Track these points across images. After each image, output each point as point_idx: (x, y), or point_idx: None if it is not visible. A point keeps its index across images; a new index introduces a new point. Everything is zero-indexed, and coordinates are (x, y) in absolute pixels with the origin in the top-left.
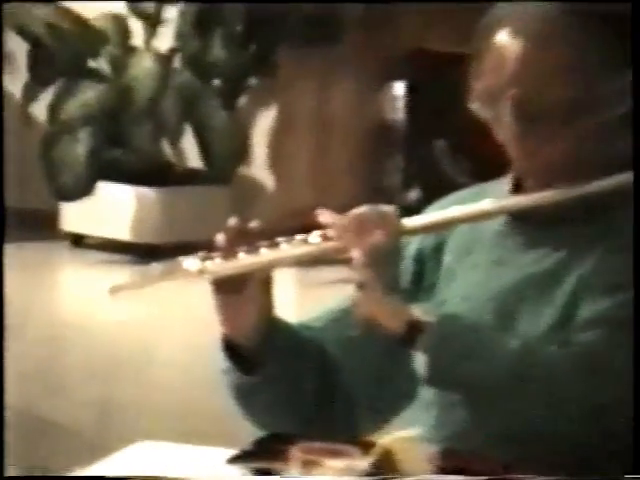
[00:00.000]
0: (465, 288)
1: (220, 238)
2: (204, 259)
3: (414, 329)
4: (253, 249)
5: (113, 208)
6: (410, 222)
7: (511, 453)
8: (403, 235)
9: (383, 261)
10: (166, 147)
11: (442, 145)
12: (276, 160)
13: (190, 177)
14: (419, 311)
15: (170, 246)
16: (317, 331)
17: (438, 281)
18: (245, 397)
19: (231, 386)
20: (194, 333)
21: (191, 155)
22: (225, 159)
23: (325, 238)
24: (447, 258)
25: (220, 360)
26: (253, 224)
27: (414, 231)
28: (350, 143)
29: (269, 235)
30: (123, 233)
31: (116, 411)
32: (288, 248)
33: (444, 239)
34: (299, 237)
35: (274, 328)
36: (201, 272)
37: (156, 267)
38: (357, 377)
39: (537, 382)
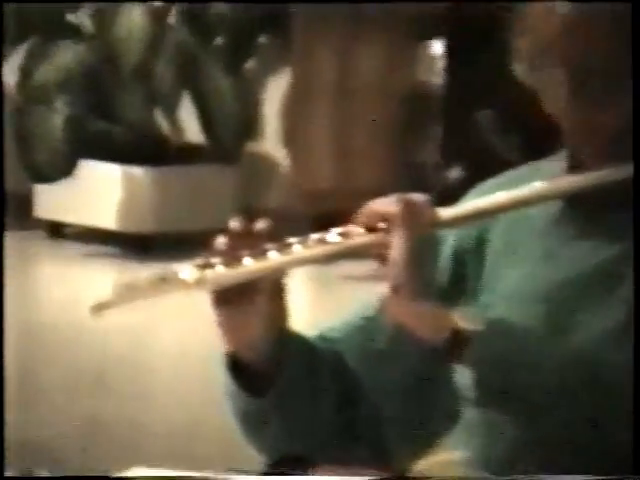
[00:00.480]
0: (513, 288)
1: (221, 241)
2: (203, 267)
3: (457, 339)
4: (260, 252)
5: (97, 191)
6: (448, 212)
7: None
8: (441, 227)
9: (420, 259)
10: (160, 118)
11: (488, 116)
12: (291, 134)
13: (189, 154)
14: (463, 318)
15: (165, 237)
16: (336, 343)
17: (480, 281)
18: (254, 424)
19: (238, 412)
20: (191, 338)
21: (190, 128)
22: (230, 133)
23: (346, 236)
24: (490, 253)
25: (223, 381)
26: (260, 224)
27: (453, 222)
28: (378, 113)
29: (283, 224)
30: (109, 221)
31: (105, 430)
32: (302, 250)
33: (486, 231)
34: (314, 237)
35: (287, 342)
36: (200, 282)
37: (146, 277)
38: (386, 397)
39: (604, 395)
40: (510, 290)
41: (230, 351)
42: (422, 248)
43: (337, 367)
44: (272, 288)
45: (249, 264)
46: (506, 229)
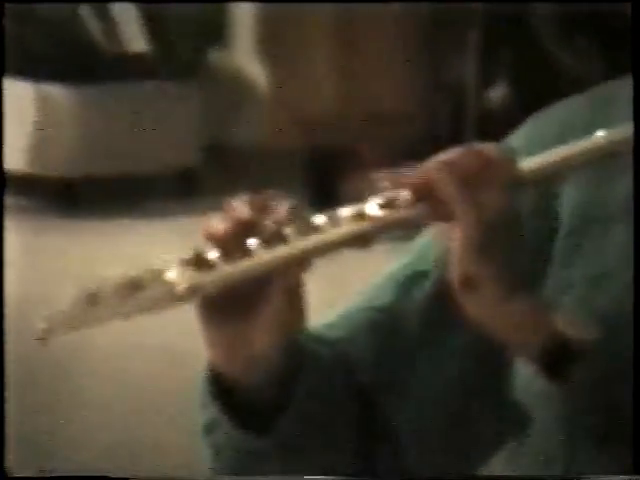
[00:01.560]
0: (598, 268)
1: (217, 225)
2: (195, 263)
3: (561, 351)
4: (276, 237)
5: (6, 116)
6: (535, 164)
7: None
8: (524, 186)
9: (505, 238)
10: (90, 21)
11: (544, 14)
12: (273, 42)
13: (130, 67)
14: (571, 321)
15: (96, 183)
16: (340, 345)
17: (550, 259)
18: (248, 466)
19: (222, 450)
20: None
21: (129, 33)
22: (186, 39)
23: (392, 206)
24: (564, 223)
25: (203, 411)
26: (282, 206)
27: (542, 179)
28: (395, 16)
29: (263, 168)
30: (18, 161)
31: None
32: (332, 230)
33: (554, 193)
34: (346, 211)
35: (299, 360)
36: (193, 290)
37: (112, 285)
38: (414, 418)
39: None
40: (595, 271)
41: (220, 373)
42: (504, 219)
43: (349, 382)
44: (288, 288)
45: (261, 255)
46: (584, 190)
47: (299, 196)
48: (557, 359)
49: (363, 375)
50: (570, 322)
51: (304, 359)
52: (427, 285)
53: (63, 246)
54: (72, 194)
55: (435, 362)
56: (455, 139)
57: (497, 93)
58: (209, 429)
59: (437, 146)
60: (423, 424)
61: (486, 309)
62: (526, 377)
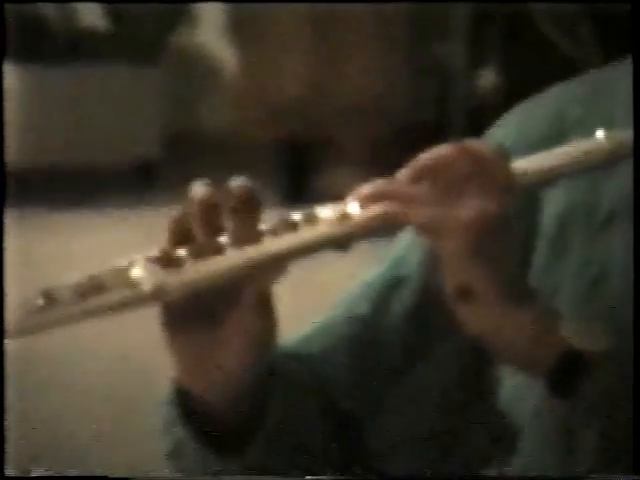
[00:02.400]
0: (590, 274)
1: (177, 218)
2: (163, 261)
3: (571, 365)
4: (251, 236)
5: None
6: (531, 165)
7: None
8: (517, 191)
9: (501, 244)
10: None
11: None
12: (244, 23)
13: (85, 48)
14: (579, 332)
15: (44, 174)
16: (316, 362)
17: (535, 258)
18: None
19: (190, 472)
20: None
21: (87, 10)
22: (149, 18)
23: (374, 207)
24: (549, 219)
25: (169, 432)
26: (241, 188)
27: (539, 181)
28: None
29: (230, 157)
30: None
31: None
32: (309, 230)
33: (533, 195)
34: (325, 210)
35: (273, 377)
36: (160, 291)
37: (71, 285)
38: (395, 438)
39: None
40: (586, 271)
41: (185, 392)
42: (498, 224)
43: (326, 403)
44: (260, 293)
45: (233, 254)
46: (572, 185)
47: (271, 189)
48: (565, 373)
49: (341, 395)
50: (579, 332)
51: (277, 377)
52: (407, 294)
53: (7, 242)
54: (19, 185)
55: (418, 377)
56: (441, 128)
57: (486, 78)
58: (175, 454)
59: (422, 135)
60: (405, 444)
61: (487, 321)
62: (515, 390)
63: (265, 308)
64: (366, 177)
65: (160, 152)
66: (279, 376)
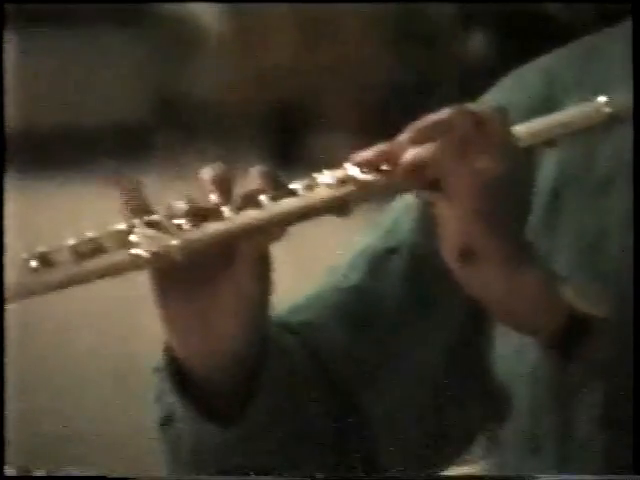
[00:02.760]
0: (592, 233)
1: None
2: (159, 226)
3: (575, 330)
4: (245, 203)
5: None
6: (534, 127)
7: None
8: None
9: (504, 206)
10: None
11: None
12: None
13: (71, 10)
14: (582, 296)
15: (29, 136)
16: (308, 331)
17: (530, 220)
18: (210, 459)
19: (181, 443)
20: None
21: None
22: None
23: (376, 169)
24: (544, 180)
25: (161, 400)
26: (257, 174)
27: (532, 143)
28: None
29: (219, 122)
30: None
31: None
32: (309, 195)
33: (530, 158)
34: (325, 176)
35: (266, 343)
36: (159, 254)
37: (69, 246)
38: (390, 406)
39: None
40: (581, 236)
41: (177, 359)
42: (501, 186)
43: (319, 372)
44: (256, 257)
45: (232, 218)
46: (568, 149)
47: (259, 153)
48: (568, 337)
49: (334, 364)
50: (582, 295)
51: (269, 346)
52: (399, 262)
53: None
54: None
55: (411, 345)
56: (430, 91)
57: (474, 42)
58: (166, 422)
59: (409, 98)
60: (401, 411)
61: (490, 283)
62: (510, 357)
63: (261, 269)
64: (354, 140)
65: (146, 116)
66: (271, 345)
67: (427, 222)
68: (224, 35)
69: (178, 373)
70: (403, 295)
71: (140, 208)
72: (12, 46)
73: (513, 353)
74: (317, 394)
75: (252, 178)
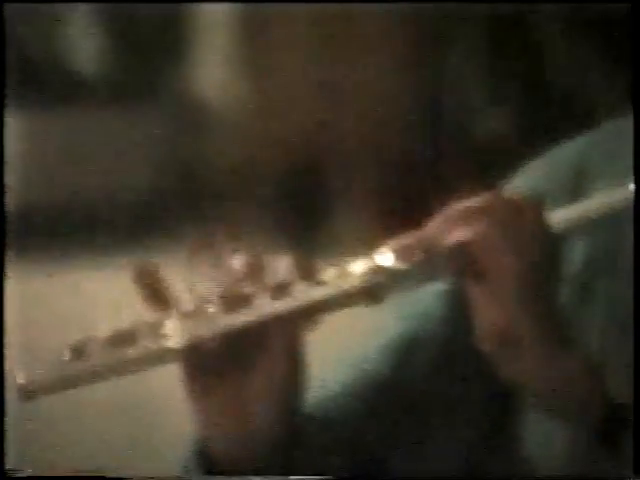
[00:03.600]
0: (611, 322)
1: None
2: (191, 315)
3: (614, 417)
4: (280, 289)
5: None
6: (567, 214)
7: None
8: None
9: (542, 289)
10: (38, 40)
11: (553, 31)
12: (252, 59)
13: (80, 90)
14: (622, 383)
15: (47, 217)
16: (334, 425)
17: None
18: None
19: None
20: None
21: (83, 55)
22: (143, 57)
23: (408, 259)
24: (573, 266)
25: None
26: (285, 263)
27: (567, 230)
28: (382, 33)
29: (237, 191)
30: None
31: None
32: (340, 283)
33: (563, 240)
34: (357, 265)
35: (298, 431)
36: (192, 344)
37: (101, 338)
38: None
39: None
40: (611, 320)
41: (209, 447)
42: (543, 269)
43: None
44: (289, 347)
45: (263, 305)
46: (597, 234)
47: (276, 229)
48: (609, 424)
49: (365, 455)
50: (623, 382)
51: (299, 437)
52: (430, 351)
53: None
54: (18, 228)
55: (444, 436)
56: (453, 166)
57: (501, 122)
58: None
59: (429, 179)
60: None
61: (529, 368)
62: (540, 445)
63: (294, 355)
64: (373, 216)
65: (162, 194)
66: (302, 437)
67: (457, 311)
68: (237, 110)
69: (209, 463)
70: (434, 381)
71: (159, 296)
72: (20, 128)
73: (543, 445)
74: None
75: (283, 266)
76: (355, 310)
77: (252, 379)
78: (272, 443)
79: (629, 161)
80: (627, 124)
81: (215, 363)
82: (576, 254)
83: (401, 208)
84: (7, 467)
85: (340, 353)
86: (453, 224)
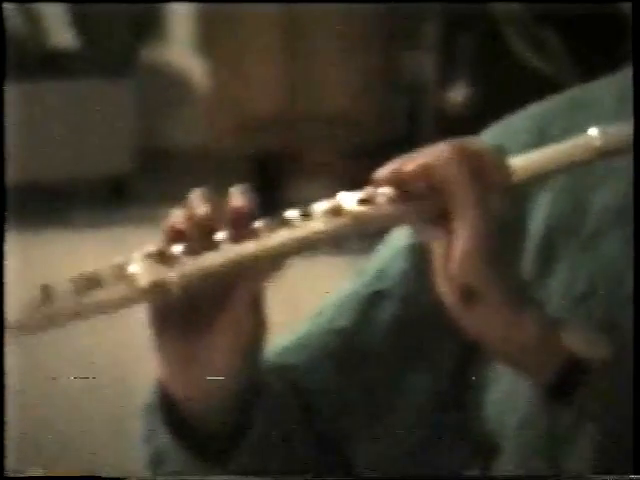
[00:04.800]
0: (582, 285)
1: (179, 219)
2: (159, 257)
3: (573, 373)
4: (245, 232)
5: None
6: (527, 162)
7: None
8: (516, 187)
9: (505, 246)
10: (12, 13)
11: (511, 8)
12: (217, 36)
13: (56, 65)
14: (581, 339)
15: (17, 190)
16: (296, 374)
17: (523, 266)
18: None
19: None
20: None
21: (56, 28)
22: (118, 34)
23: (371, 202)
24: (536, 226)
25: (154, 442)
26: (239, 200)
27: (528, 180)
28: (346, 10)
29: (204, 173)
30: None
31: None
32: (307, 226)
33: (521, 202)
34: (320, 206)
35: (260, 381)
36: (158, 285)
37: (68, 282)
38: (377, 451)
39: None
40: (576, 284)
41: (173, 397)
42: (503, 225)
43: (304, 417)
44: (253, 293)
45: (229, 249)
46: (562, 195)
47: None
48: (566, 379)
49: (324, 408)
50: (581, 339)
51: (260, 389)
52: (389, 305)
53: None
54: None
55: (403, 390)
56: (412, 141)
57: (458, 93)
58: (157, 461)
59: (392, 150)
60: (389, 455)
61: (490, 323)
62: (500, 402)
63: (256, 308)
64: (337, 190)
65: (132, 167)
66: (262, 387)
67: (417, 267)
68: (208, 85)
69: (171, 412)
70: (392, 339)
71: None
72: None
73: (504, 398)
74: (304, 437)
75: (235, 198)
76: (314, 264)
77: (216, 329)
78: (232, 392)
79: (587, 126)
80: (585, 92)
81: (179, 312)
82: (538, 216)
83: (358, 179)
84: (7, 467)
85: (303, 303)
86: (420, 168)
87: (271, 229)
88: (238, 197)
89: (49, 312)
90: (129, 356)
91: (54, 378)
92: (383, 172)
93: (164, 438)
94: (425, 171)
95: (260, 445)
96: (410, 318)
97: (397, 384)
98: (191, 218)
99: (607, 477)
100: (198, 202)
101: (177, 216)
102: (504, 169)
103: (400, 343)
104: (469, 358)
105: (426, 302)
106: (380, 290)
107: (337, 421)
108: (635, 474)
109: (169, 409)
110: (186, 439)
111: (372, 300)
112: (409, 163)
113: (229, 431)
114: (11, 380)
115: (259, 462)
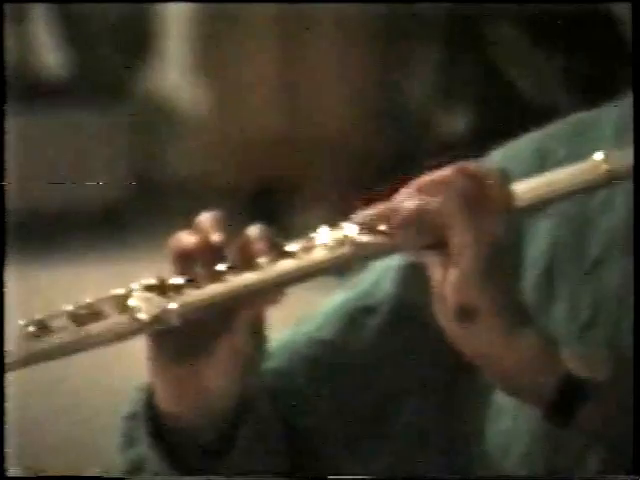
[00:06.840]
0: (583, 315)
1: (191, 240)
2: (160, 288)
3: (570, 392)
4: (243, 263)
5: None
6: (529, 188)
7: None
8: (518, 212)
9: (503, 267)
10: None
11: (509, 33)
12: (213, 62)
13: (52, 94)
14: (580, 359)
15: (12, 219)
16: (275, 378)
17: (524, 291)
18: None
19: None
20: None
21: (49, 56)
22: (112, 59)
23: (373, 230)
24: (537, 253)
25: (135, 449)
26: (255, 233)
27: (535, 204)
28: (345, 35)
29: (200, 203)
30: None
31: None
32: (306, 256)
33: (520, 228)
34: (322, 235)
35: (249, 397)
36: (158, 319)
37: (65, 313)
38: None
39: None
40: (577, 312)
41: (161, 410)
42: (501, 247)
43: (278, 423)
44: (253, 321)
45: (231, 280)
46: (562, 221)
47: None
48: (564, 399)
49: (292, 414)
50: (580, 359)
51: (246, 402)
52: (375, 322)
53: None
54: None
55: (383, 404)
56: (412, 168)
57: (458, 124)
58: (135, 469)
59: (392, 175)
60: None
61: (486, 343)
62: (505, 419)
63: (256, 334)
64: (336, 218)
65: (126, 196)
66: (249, 404)
67: (409, 284)
68: (204, 114)
69: (155, 422)
70: (377, 354)
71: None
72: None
73: (508, 429)
74: (283, 448)
75: (249, 238)
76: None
77: (214, 353)
78: (222, 410)
79: (589, 151)
80: (587, 118)
81: (179, 336)
82: (542, 235)
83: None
84: (7, 467)
85: (288, 319)
86: (418, 196)
87: (273, 259)
88: (254, 240)
89: (44, 346)
90: (129, 356)
91: (54, 378)
92: (379, 214)
93: (145, 447)
94: (420, 214)
95: (243, 458)
96: (396, 334)
97: (375, 398)
98: (204, 243)
99: (607, 477)
100: (211, 227)
101: (188, 240)
102: (506, 192)
103: (383, 357)
104: (457, 382)
105: (413, 321)
106: (369, 305)
107: (305, 427)
108: (635, 474)
109: (154, 420)
110: (167, 450)
111: (360, 315)
112: (404, 208)
113: (214, 444)
114: (11, 380)
115: (241, 474)
